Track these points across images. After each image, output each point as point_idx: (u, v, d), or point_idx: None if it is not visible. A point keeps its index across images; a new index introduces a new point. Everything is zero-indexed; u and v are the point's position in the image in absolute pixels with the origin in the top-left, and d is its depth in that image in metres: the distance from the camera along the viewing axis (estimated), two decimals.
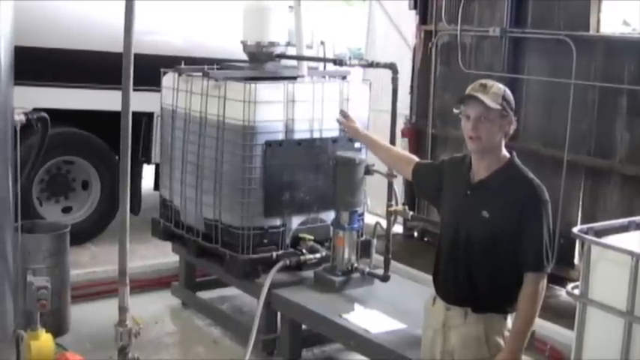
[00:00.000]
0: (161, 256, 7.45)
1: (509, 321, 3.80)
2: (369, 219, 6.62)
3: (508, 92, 3.73)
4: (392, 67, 5.88)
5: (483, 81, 3.75)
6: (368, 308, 5.44)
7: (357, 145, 6.08)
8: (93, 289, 6.81)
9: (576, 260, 7.28)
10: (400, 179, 5.98)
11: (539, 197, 3.69)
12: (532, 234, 3.66)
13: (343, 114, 5.42)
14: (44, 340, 4.30)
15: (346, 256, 5.85)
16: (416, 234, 8.99)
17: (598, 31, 7.17)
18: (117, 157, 7.77)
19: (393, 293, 5.76)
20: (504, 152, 3.78)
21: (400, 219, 6.74)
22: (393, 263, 6.08)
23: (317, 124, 6.04)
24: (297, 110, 5.94)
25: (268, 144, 5.83)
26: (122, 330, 4.10)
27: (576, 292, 4.04)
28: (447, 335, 3.81)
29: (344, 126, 5.36)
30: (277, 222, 5.97)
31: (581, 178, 7.26)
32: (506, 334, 3.78)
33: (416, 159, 4.40)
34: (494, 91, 3.65)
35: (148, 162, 8.40)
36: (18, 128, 5.42)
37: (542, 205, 3.69)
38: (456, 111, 3.78)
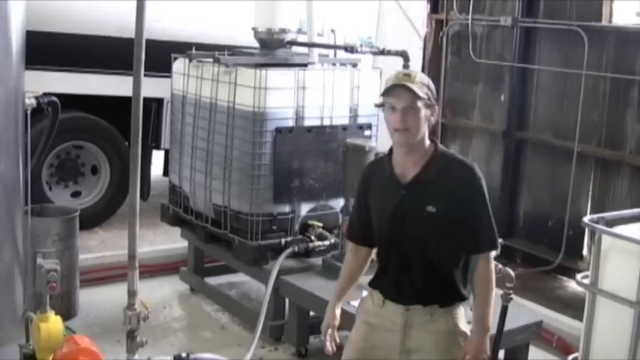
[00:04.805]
0: (170, 241, 7.48)
1: (466, 306, 3.73)
2: None
3: (431, 82, 3.59)
4: (403, 55, 5.87)
5: (406, 70, 3.63)
6: None
7: (367, 132, 6.09)
8: (101, 274, 6.82)
9: (584, 251, 7.27)
10: None
11: (477, 177, 3.56)
12: (481, 215, 3.56)
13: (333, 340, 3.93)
14: (53, 322, 4.30)
15: None
16: None
17: (610, 21, 7.14)
18: (126, 143, 7.80)
19: None
20: (428, 142, 3.62)
21: None
22: None
23: (327, 112, 6.03)
24: (307, 97, 5.93)
25: (278, 130, 5.82)
26: (131, 314, 4.11)
27: (586, 281, 4.05)
28: (407, 335, 3.63)
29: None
30: (286, 209, 5.97)
31: (591, 168, 7.25)
32: (464, 320, 3.68)
33: (358, 247, 3.89)
34: (420, 80, 3.51)
35: (158, 148, 8.42)
36: (29, 112, 5.45)
37: (482, 183, 3.56)
38: (377, 103, 3.60)
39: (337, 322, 3.86)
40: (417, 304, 3.61)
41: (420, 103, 3.46)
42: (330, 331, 3.83)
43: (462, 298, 3.65)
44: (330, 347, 3.82)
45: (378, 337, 3.71)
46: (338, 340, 3.85)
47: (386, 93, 3.50)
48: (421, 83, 3.49)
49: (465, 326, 3.67)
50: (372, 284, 3.77)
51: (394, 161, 3.61)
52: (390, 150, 3.65)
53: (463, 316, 3.68)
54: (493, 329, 4.61)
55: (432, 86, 3.56)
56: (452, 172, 3.56)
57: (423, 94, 3.46)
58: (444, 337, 3.61)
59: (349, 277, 3.93)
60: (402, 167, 3.58)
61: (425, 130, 3.53)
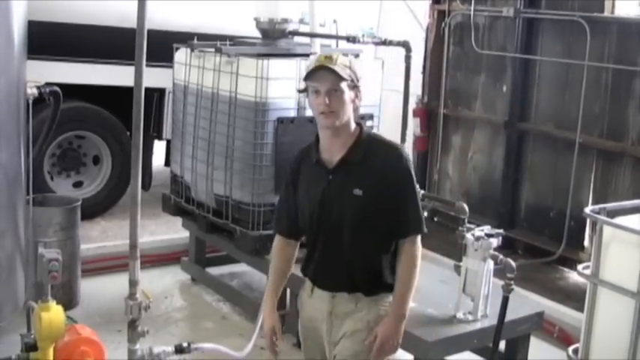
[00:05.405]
0: (171, 231, 7.50)
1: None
2: None
3: (354, 63, 3.55)
4: (405, 45, 5.86)
5: (327, 54, 3.56)
6: None
7: (368, 123, 6.08)
8: (103, 264, 6.83)
9: (586, 242, 7.28)
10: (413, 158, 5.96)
11: (404, 158, 3.52)
12: (407, 197, 3.50)
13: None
14: (55, 311, 4.30)
15: None
16: (426, 213, 8.96)
17: (612, 12, 7.13)
18: (128, 133, 7.80)
19: None
20: (354, 125, 3.57)
21: None
22: None
23: None
24: None
25: (280, 121, 5.82)
26: (132, 303, 4.10)
27: (587, 272, 4.05)
28: (334, 324, 3.58)
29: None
30: None
31: (593, 160, 7.25)
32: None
33: (286, 241, 3.81)
34: (342, 62, 3.44)
35: (159, 138, 8.42)
36: (30, 102, 5.44)
37: (409, 165, 3.53)
38: (300, 88, 3.58)
39: (280, 325, 3.73)
40: (342, 290, 3.56)
41: (343, 85, 3.42)
42: (275, 337, 3.70)
43: (389, 289, 3.57)
44: (273, 354, 3.75)
45: (312, 328, 3.68)
46: (278, 346, 3.74)
47: (308, 77, 3.46)
48: (343, 65, 3.44)
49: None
50: (303, 271, 3.73)
51: (321, 147, 3.57)
52: (317, 137, 3.61)
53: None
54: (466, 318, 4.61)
55: (355, 68, 3.51)
56: (378, 154, 3.51)
57: (346, 75, 3.42)
58: (364, 325, 3.54)
59: (280, 275, 3.79)
60: (328, 152, 3.55)
61: (350, 112, 3.49)
